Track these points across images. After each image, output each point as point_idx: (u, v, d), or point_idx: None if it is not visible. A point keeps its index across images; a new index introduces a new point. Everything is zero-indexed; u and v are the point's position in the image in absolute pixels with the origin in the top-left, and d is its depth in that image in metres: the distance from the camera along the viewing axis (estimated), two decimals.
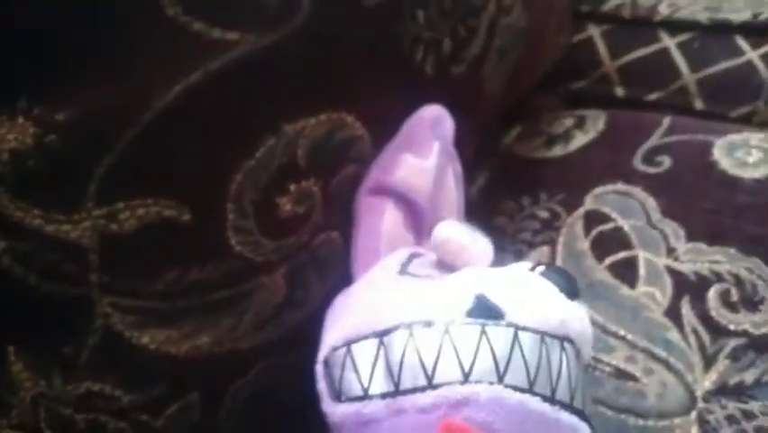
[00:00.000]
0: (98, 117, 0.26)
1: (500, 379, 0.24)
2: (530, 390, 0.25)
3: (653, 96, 0.52)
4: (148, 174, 0.27)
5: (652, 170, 0.43)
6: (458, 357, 0.24)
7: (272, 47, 0.28)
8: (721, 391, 0.33)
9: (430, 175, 0.33)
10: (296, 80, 0.30)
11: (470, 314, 0.25)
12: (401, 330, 0.26)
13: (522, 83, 0.48)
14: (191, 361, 0.29)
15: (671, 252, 0.38)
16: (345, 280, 0.33)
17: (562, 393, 0.25)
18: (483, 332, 0.25)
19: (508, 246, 0.41)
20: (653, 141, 0.45)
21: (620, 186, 0.42)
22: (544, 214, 0.42)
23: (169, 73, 0.26)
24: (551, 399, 0.25)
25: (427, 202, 0.33)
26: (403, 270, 0.30)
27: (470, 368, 0.24)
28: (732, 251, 0.37)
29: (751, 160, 0.42)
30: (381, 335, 0.26)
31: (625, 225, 0.40)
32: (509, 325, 0.25)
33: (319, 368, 0.28)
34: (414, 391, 0.25)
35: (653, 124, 0.46)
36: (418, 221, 0.33)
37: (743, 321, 0.35)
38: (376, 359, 0.26)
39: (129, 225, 0.27)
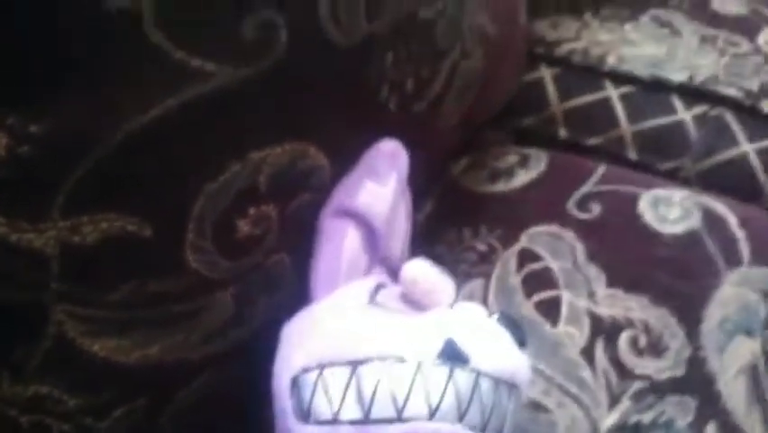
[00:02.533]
0: (71, 132, 0.26)
1: (460, 419, 0.27)
2: (483, 430, 0.27)
3: (592, 141, 0.56)
4: (113, 190, 0.28)
5: (583, 215, 0.46)
6: (427, 395, 0.26)
7: (247, 80, 0.29)
8: (621, 428, 0.37)
9: (388, 201, 0.35)
10: (266, 112, 0.31)
11: (440, 356, 0.27)
12: (375, 363, 0.27)
13: (475, 120, 0.51)
14: (139, 369, 0.30)
15: (591, 295, 0.42)
16: (292, 300, 0.35)
17: None
18: (450, 375, 0.27)
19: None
20: (588, 187, 0.49)
21: (554, 228, 0.45)
22: (482, 247, 0.45)
23: (146, 97, 0.27)
24: None
25: (384, 227, 0.35)
26: (371, 300, 0.31)
27: (437, 406, 0.26)
28: (645, 300, 0.41)
29: (671, 216, 0.46)
30: (355, 364, 0.28)
31: (554, 265, 0.43)
32: (472, 370, 0.27)
33: (285, 385, 0.29)
34: (382, 421, 0.27)
35: (589, 170, 0.50)
36: (374, 245, 0.35)
37: (647, 366, 0.39)
38: (347, 386, 0.27)
39: (91, 238, 0.28)
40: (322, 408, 0.28)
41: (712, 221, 0.46)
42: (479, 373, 0.27)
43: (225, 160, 0.30)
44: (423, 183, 0.47)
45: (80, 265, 0.28)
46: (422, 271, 0.31)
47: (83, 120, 0.27)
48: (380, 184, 0.35)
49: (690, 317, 0.40)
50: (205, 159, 0.30)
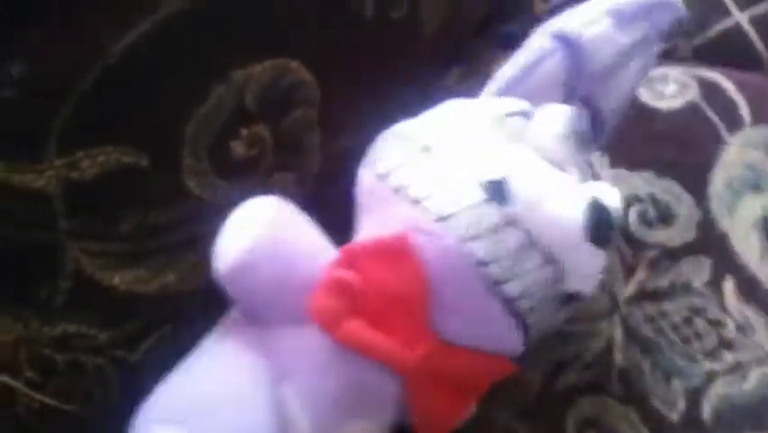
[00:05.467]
0: (53, 70, 0.27)
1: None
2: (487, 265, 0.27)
3: None
4: (105, 123, 0.28)
5: None
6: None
7: None
8: (640, 296, 0.37)
9: (617, 46, 0.33)
10: (241, 29, 0.31)
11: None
12: None
13: (458, 27, 0.50)
14: (160, 298, 0.31)
15: (596, 178, 0.42)
16: None
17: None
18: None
19: None
20: None
21: None
22: None
23: (118, 24, 0.27)
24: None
25: (598, 69, 0.33)
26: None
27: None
28: (649, 175, 0.41)
29: (668, 92, 0.46)
30: None
31: None
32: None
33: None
34: None
35: None
36: (576, 85, 0.33)
37: (659, 235, 0.39)
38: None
39: (90, 173, 0.28)
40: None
41: (710, 90, 0.45)
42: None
43: (209, 82, 0.30)
44: (414, 96, 0.46)
45: (84, 201, 0.28)
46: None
47: (62, 55, 0.27)
48: (620, 28, 0.32)
49: (696, 184, 0.40)
50: (190, 82, 0.30)
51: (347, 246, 0.28)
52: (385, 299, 0.25)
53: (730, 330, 0.35)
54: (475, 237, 0.26)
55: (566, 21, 0.33)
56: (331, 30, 0.35)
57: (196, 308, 0.33)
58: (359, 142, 0.40)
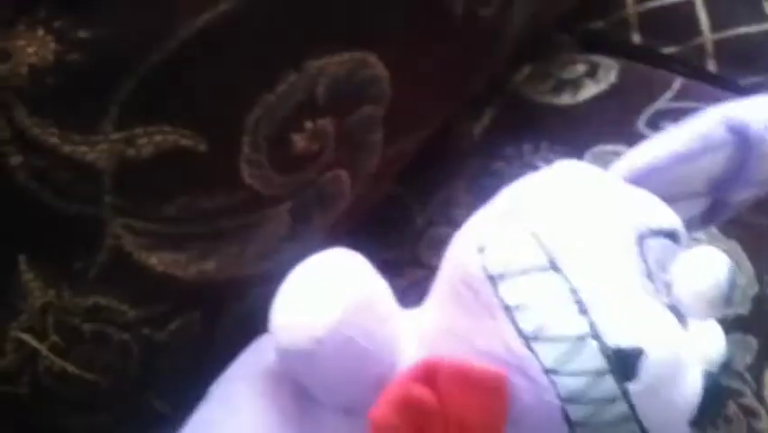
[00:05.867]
0: (123, 40, 0.25)
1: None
2: None
3: (669, 50, 0.52)
4: (168, 102, 0.27)
5: (654, 135, 0.43)
6: None
7: None
8: None
9: None
10: (321, 17, 0.29)
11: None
12: None
13: (541, 22, 0.47)
14: (195, 283, 0.30)
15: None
16: (347, 216, 0.34)
17: None
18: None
19: None
20: (661, 103, 0.45)
21: (621, 147, 0.42)
22: (542, 165, 0.43)
23: (197, 1, 0.25)
24: None
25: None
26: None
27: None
28: (716, 230, 0.39)
29: None
30: None
31: None
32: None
33: None
34: None
35: (664, 84, 0.46)
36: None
37: None
38: None
39: (146, 151, 0.27)
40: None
41: None
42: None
43: (282, 69, 0.28)
44: (483, 91, 0.44)
45: (134, 179, 0.27)
46: None
47: (134, 26, 0.25)
48: None
49: (760, 253, 0.38)
50: (261, 68, 0.28)
51: (430, 361, 0.24)
52: (455, 428, 0.23)
53: (763, 424, 0.34)
54: (578, 402, 0.24)
55: (748, 112, 0.27)
56: (417, 24, 0.33)
57: (230, 298, 0.32)
58: (416, 145, 0.38)
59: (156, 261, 0.29)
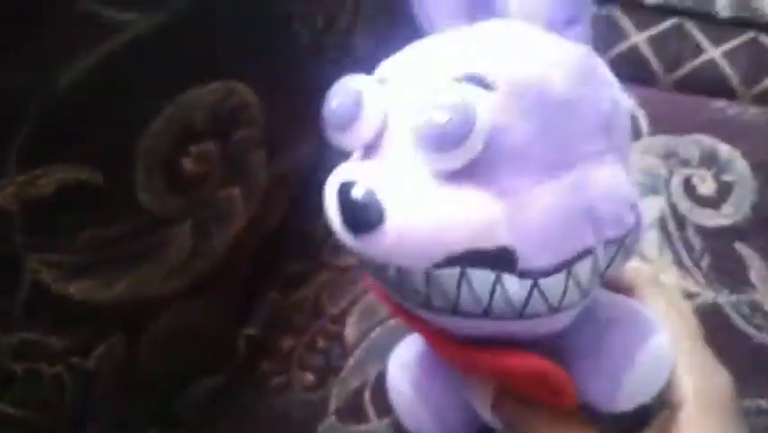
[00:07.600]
0: (9, 93, 0.29)
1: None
2: None
3: None
4: (63, 142, 0.30)
5: None
6: None
7: (161, 26, 0.32)
8: None
9: None
10: (185, 55, 0.33)
11: None
12: None
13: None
14: (113, 306, 0.33)
15: None
16: (246, 231, 0.38)
17: None
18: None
19: None
20: None
21: None
22: None
23: (71, 52, 0.29)
24: None
25: None
26: None
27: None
28: None
29: None
30: None
31: None
32: None
33: None
34: None
35: None
36: None
37: None
38: None
39: (48, 189, 0.30)
40: None
41: None
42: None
43: (157, 103, 0.33)
44: None
45: (40, 217, 0.30)
46: None
47: (16, 82, 0.29)
48: None
49: None
50: (139, 104, 0.32)
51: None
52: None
53: None
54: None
55: None
56: (272, 55, 0.38)
57: (147, 317, 0.35)
58: (302, 159, 0.43)
59: (74, 290, 0.32)
